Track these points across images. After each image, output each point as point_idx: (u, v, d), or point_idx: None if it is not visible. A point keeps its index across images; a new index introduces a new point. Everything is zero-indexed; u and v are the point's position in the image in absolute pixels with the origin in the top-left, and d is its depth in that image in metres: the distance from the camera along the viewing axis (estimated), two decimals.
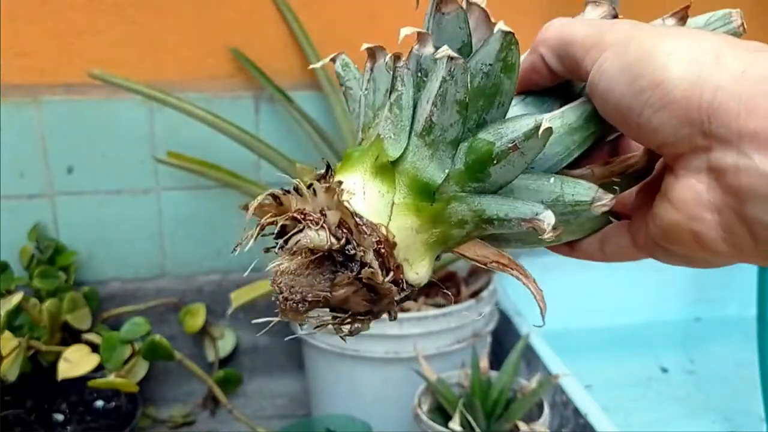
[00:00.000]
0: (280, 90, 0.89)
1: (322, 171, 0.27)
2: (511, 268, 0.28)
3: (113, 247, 0.94)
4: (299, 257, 0.25)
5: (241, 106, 0.93)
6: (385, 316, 0.27)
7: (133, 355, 0.82)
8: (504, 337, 0.91)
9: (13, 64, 0.86)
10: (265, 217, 0.25)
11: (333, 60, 0.30)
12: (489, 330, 0.85)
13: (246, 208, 0.25)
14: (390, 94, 0.27)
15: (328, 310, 0.26)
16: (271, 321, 0.26)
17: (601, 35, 0.25)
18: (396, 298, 0.26)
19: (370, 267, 0.25)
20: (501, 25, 0.25)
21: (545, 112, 0.28)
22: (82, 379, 0.79)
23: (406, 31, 0.26)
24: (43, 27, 0.86)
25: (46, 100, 0.88)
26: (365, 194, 0.26)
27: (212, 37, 0.90)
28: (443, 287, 0.82)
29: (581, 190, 0.27)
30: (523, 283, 0.27)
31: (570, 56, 0.26)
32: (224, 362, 0.97)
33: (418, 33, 0.27)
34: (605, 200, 0.26)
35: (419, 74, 0.27)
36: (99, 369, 0.80)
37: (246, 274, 0.34)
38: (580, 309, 1.07)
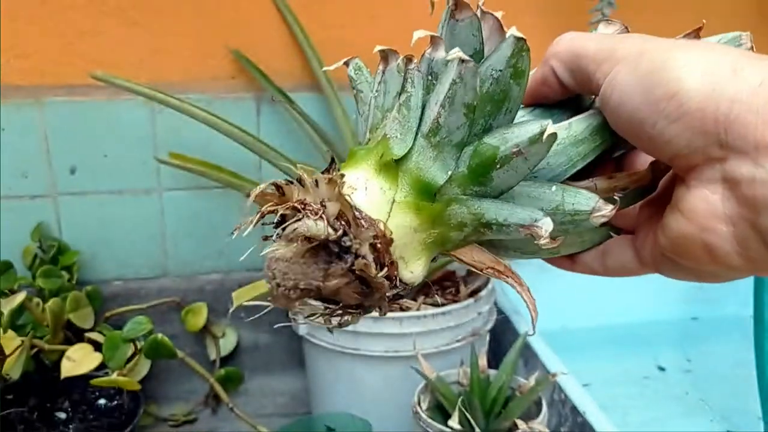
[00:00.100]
0: (281, 91, 0.89)
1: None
2: (507, 276, 0.28)
3: (116, 246, 0.95)
4: (296, 245, 0.25)
5: (242, 108, 0.93)
6: (375, 312, 0.27)
7: (135, 353, 0.83)
8: (502, 336, 0.91)
9: (14, 65, 0.87)
10: (266, 205, 0.26)
11: (346, 64, 0.30)
12: (488, 329, 0.85)
13: (249, 195, 0.26)
14: (400, 95, 0.27)
15: (319, 301, 0.27)
16: (269, 311, 0.27)
17: (613, 48, 0.25)
18: (388, 294, 0.26)
19: (364, 259, 0.25)
20: (514, 31, 0.25)
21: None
22: (85, 378, 0.80)
23: (419, 33, 0.26)
24: (44, 28, 0.87)
25: (48, 102, 0.88)
26: (367, 190, 0.26)
27: (213, 39, 0.91)
28: (437, 290, 0.82)
29: (582, 199, 0.26)
30: (517, 291, 0.28)
31: (581, 69, 0.27)
32: (225, 361, 0.97)
33: (432, 37, 0.27)
34: (605, 210, 0.26)
35: (430, 77, 0.27)
36: (101, 368, 0.81)
37: (242, 258, 0.34)
38: (577, 308, 1.07)
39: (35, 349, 0.79)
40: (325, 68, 0.30)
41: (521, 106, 0.28)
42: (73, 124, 0.90)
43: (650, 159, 0.29)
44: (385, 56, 0.28)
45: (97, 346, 0.82)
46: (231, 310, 0.78)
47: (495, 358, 0.83)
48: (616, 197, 0.27)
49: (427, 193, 0.27)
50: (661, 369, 1.06)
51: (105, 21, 0.88)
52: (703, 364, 1.07)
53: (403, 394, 0.75)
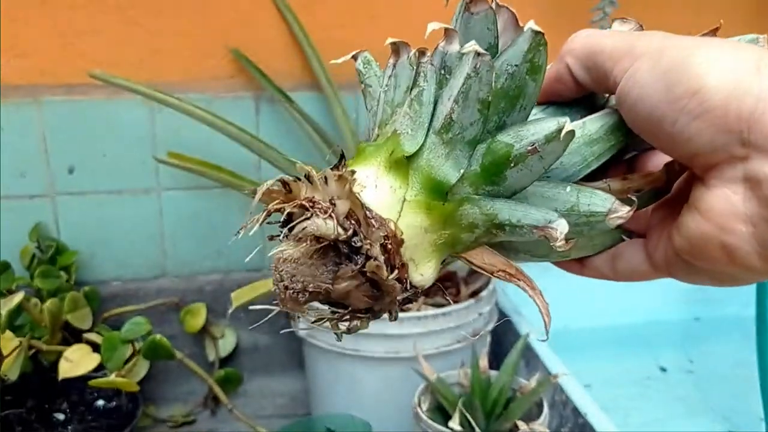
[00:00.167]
0: (280, 90, 0.89)
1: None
2: (519, 279, 0.27)
3: (114, 247, 0.95)
4: (304, 245, 0.24)
5: (241, 107, 0.93)
6: (385, 316, 0.26)
7: (133, 354, 0.82)
8: (503, 337, 0.91)
9: (13, 64, 0.86)
10: (273, 203, 0.25)
11: (354, 57, 0.29)
12: (488, 329, 0.85)
13: (254, 192, 0.25)
14: (411, 90, 0.27)
15: (327, 305, 0.26)
16: (271, 314, 0.26)
17: (632, 45, 0.25)
18: (399, 298, 0.25)
19: (376, 260, 0.24)
20: (532, 25, 0.24)
21: None
22: (83, 379, 0.79)
23: (433, 26, 0.25)
24: (44, 27, 0.86)
25: (46, 101, 0.88)
26: (377, 188, 0.25)
27: (213, 38, 0.91)
28: (444, 289, 0.82)
29: (597, 200, 0.26)
30: (530, 295, 0.27)
31: (598, 66, 0.26)
32: (225, 362, 0.97)
33: (446, 29, 0.26)
34: (621, 212, 0.25)
35: (443, 71, 0.26)
36: (100, 368, 0.80)
37: (247, 260, 0.34)
38: (579, 308, 1.07)
39: (33, 350, 0.79)
40: (333, 61, 0.29)
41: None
42: (72, 123, 0.89)
43: (662, 161, 0.28)
44: (397, 49, 0.27)
45: (95, 347, 0.82)
46: (230, 311, 0.77)
47: (496, 359, 0.83)
48: (632, 198, 0.26)
49: (438, 192, 0.26)
50: (663, 370, 1.06)
51: (104, 20, 0.87)
52: (705, 364, 1.07)
53: (403, 396, 0.75)
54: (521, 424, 0.67)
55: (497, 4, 0.28)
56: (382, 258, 0.24)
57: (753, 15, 1.05)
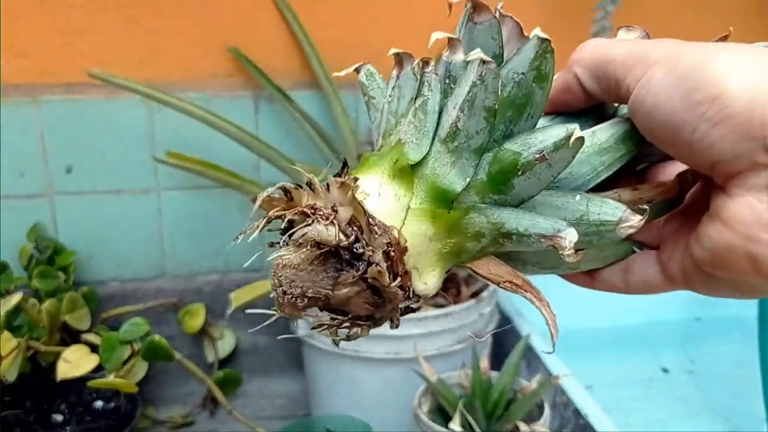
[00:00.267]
0: (279, 90, 0.89)
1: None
2: (526, 290, 0.26)
3: (112, 247, 0.94)
4: (304, 251, 0.24)
5: (240, 106, 0.92)
6: (386, 324, 0.26)
7: (132, 355, 0.82)
8: (504, 338, 0.91)
9: (12, 63, 0.86)
10: (274, 210, 0.24)
11: (357, 70, 0.29)
12: (491, 331, 0.85)
13: (254, 199, 0.25)
14: (415, 99, 0.26)
15: (326, 311, 0.26)
16: (269, 316, 0.25)
17: (645, 52, 0.24)
18: (400, 305, 0.25)
19: (378, 266, 0.24)
20: (538, 32, 0.24)
21: None
22: (82, 380, 0.79)
23: (437, 35, 0.25)
24: (43, 26, 0.86)
25: (45, 100, 0.88)
26: (380, 196, 0.25)
27: (212, 37, 0.90)
28: (444, 290, 0.82)
29: (608, 209, 0.25)
30: (536, 307, 0.26)
31: (608, 76, 0.25)
32: (224, 363, 0.97)
33: (450, 39, 0.26)
34: (633, 221, 0.25)
35: (447, 81, 0.26)
36: (98, 369, 0.80)
37: (246, 265, 0.33)
38: (580, 309, 1.06)
39: (31, 351, 0.79)
40: (335, 74, 0.29)
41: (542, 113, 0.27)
42: (70, 122, 0.89)
43: (673, 172, 0.28)
44: (400, 60, 0.27)
45: (93, 348, 0.81)
46: (229, 312, 0.77)
47: (497, 360, 0.82)
48: (644, 208, 0.26)
49: (443, 201, 0.25)
50: (665, 370, 1.05)
51: (103, 19, 0.87)
52: (707, 365, 1.06)
53: (403, 397, 0.75)
54: (522, 426, 0.66)
55: (501, 13, 0.27)
56: (384, 264, 0.24)
57: (753, 15, 1.05)
